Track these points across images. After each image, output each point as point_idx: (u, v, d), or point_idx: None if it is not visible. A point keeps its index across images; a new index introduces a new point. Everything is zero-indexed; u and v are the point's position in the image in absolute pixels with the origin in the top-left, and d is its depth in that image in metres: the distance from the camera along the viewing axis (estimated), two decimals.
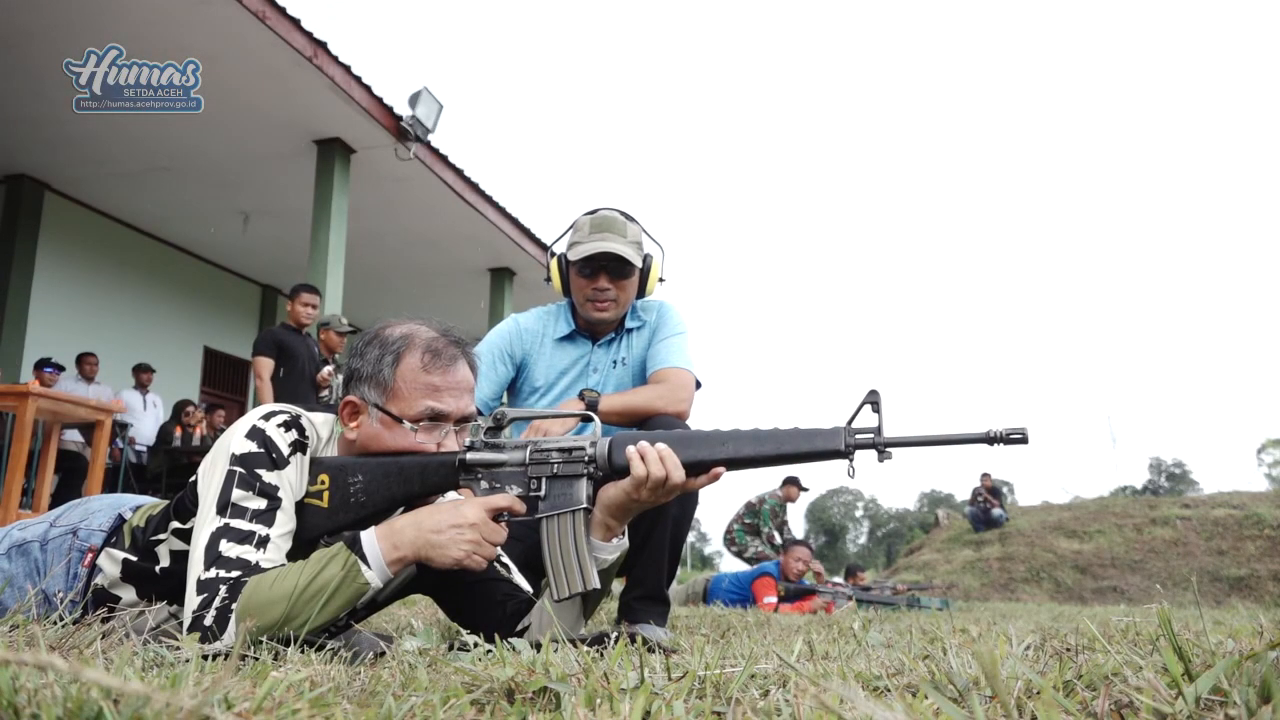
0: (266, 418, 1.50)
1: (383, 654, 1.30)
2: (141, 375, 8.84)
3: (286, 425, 1.50)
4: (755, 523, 8.67)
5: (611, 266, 2.37)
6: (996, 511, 15.93)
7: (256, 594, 1.34)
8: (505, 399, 2.53)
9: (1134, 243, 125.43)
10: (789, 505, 8.94)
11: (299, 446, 1.50)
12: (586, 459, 1.52)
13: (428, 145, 8.29)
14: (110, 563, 1.62)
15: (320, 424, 1.58)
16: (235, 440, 1.47)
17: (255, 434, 1.47)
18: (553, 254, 2.51)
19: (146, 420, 8.56)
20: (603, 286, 2.38)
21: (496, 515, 1.50)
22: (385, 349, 1.55)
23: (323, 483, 1.51)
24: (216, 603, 1.33)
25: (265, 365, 5.90)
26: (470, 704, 0.85)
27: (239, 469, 1.44)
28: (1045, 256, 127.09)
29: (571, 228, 2.48)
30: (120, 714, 0.66)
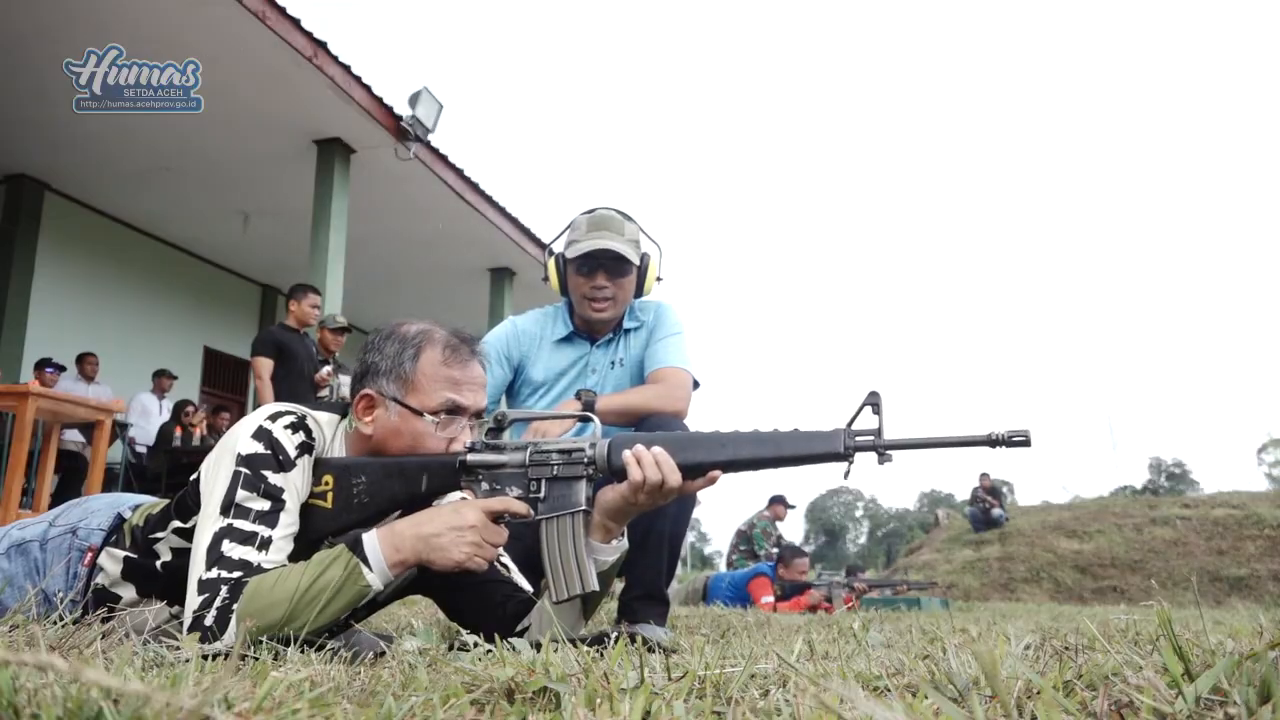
0: (273, 418, 1.49)
1: (383, 654, 1.30)
2: (162, 380, 8.96)
3: (293, 427, 1.50)
4: (750, 548, 8.73)
5: (609, 264, 2.37)
6: (996, 511, 15.91)
7: (258, 595, 1.34)
8: (504, 401, 2.53)
9: (1134, 243, 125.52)
10: (778, 523, 8.98)
11: (305, 449, 1.50)
12: (586, 460, 1.52)
13: (428, 145, 8.29)
14: (111, 561, 1.62)
15: (325, 424, 1.58)
16: (241, 441, 1.46)
17: (262, 435, 1.47)
18: (550, 253, 2.50)
19: (158, 424, 8.58)
20: (600, 284, 2.38)
21: (497, 517, 1.50)
22: (405, 344, 1.57)
23: (327, 483, 1.51)
24: (217, 603, 1.34)
25: (264, 365, 5.90)
26: (470, 704, 0.85)
27: (244, 470, 1.43)
28: (1045, 257, 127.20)
29: (569, 227, 2.48)
30: (120, 714, 0.66)
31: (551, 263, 2.48)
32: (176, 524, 1.57)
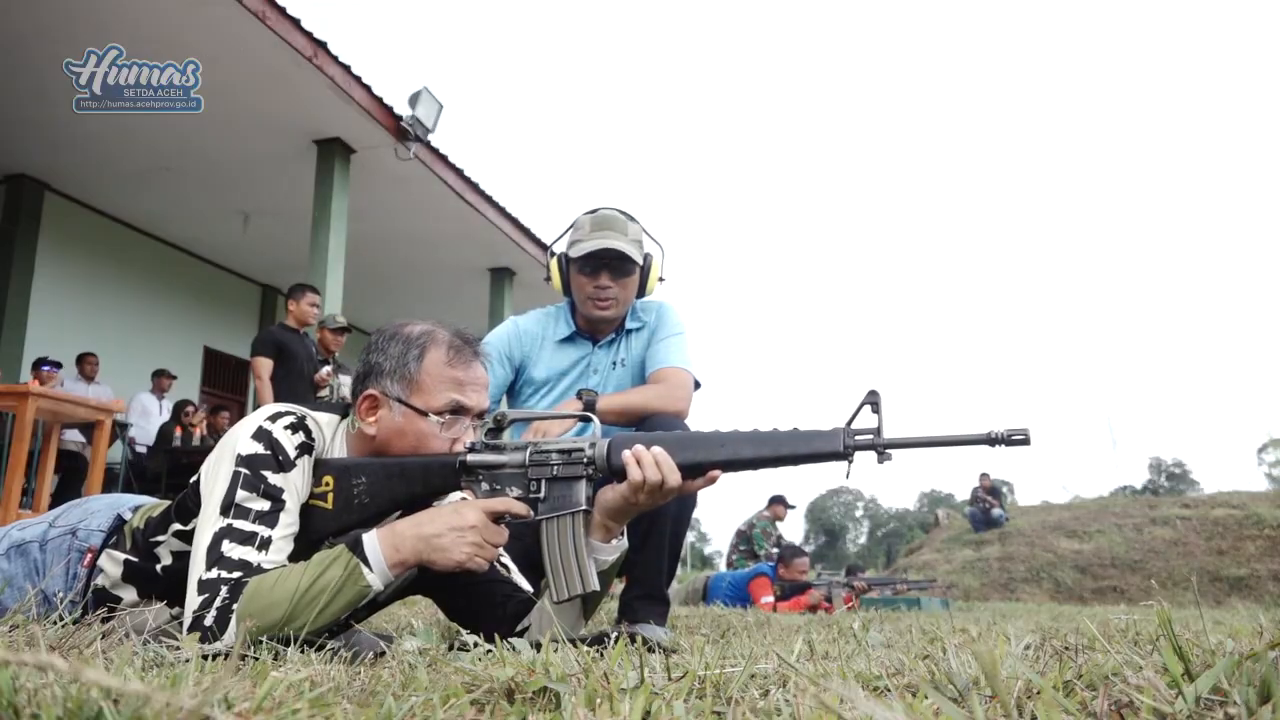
0: (273, 419, 1.50)
1: (383, 654, 1.30)
2: (161, 380, 8.98)
3: (293, 427, 1.50)
4: (750, 548, 8.73)
5: (613, 264, 2.37)
6: (996, 511, 15.91)
7: (258, 595, 1.34)
8: (505, 401, 2.53)
9: (1134, 243, 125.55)
10: (778, 523, 8.97)
11: (305, 449, 1.50)
12: (586, 460, 1.52)
13: (428, 145, 8.29)
14: (111, 563, 1.62)
15: (325, 424, 1.58)
16: (241, 441, 1.47)
17: (262, 435, 1.47)
18: (553, 254, 2.50)
19: (158, 424, 8.58)
20: (604, 284, 2.38)
21: (498, 517, 1.50)
22: (410, 345, 1.57)
23: (327, 484, 1.51)
24: (217, 603, 1.34)
25: (264, 365, 5.89)
26: (470, 704, 0.85)
27: (244, 470, 1.43)
28: (1045, 256, 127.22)
29: (572, 227, 2.48)
30: (120, 714, 0.66)
31: (554, 263, 2.48)
32: (177, 526, 1.57)
